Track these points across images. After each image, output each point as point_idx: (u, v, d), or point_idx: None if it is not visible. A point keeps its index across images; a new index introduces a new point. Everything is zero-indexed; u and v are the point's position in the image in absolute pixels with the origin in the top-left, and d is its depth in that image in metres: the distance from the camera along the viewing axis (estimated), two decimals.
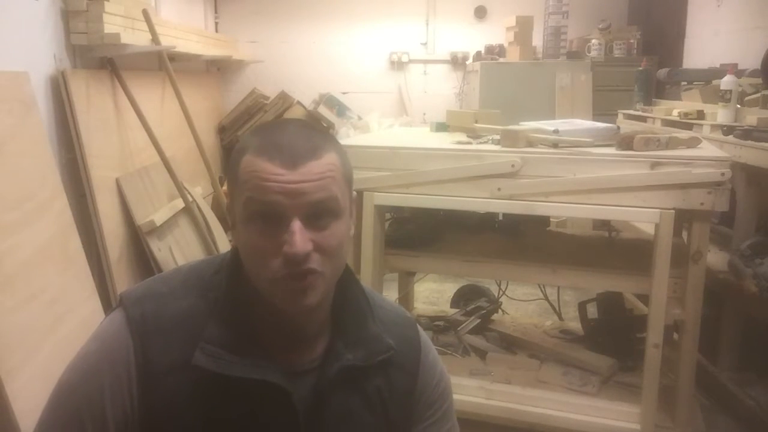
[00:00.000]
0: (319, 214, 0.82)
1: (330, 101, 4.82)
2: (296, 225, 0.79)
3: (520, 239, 2.48)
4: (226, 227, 3.38)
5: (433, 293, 3.93)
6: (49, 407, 0.86)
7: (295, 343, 0.90)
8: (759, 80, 2.84)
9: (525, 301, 3.38)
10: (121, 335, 0.83)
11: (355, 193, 0.93)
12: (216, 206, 3.58)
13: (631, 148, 1.97)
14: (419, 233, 2.45)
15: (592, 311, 2.61)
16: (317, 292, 0.83)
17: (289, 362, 0.88)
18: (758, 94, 2.75)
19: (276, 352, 0.87)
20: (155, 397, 0.81)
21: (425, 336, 1.04)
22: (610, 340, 2.44)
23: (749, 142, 2.37)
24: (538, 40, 4.43)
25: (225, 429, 0.83)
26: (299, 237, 0.79)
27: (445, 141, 2.29)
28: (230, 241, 3.16)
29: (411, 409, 0.98)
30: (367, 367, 0.91)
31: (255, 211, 0.81)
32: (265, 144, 0.83)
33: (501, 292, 2.95)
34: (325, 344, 0.91)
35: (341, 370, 0.88)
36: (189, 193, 3.20)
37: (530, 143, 2.09)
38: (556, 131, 2.05)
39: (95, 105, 2.67)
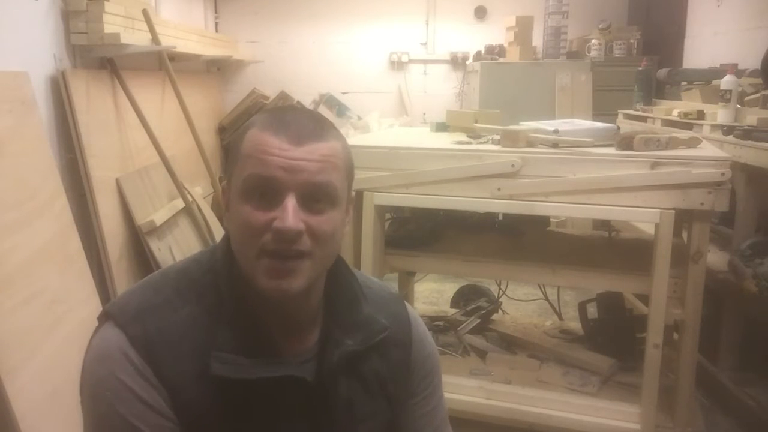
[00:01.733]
0: (316, 196, 0.81)
1: (330, 101, 4.82)
2: (291, 201, 0.79)
3: (520, 239, 2.48)
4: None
5: (433, 293, 3.93)
6: None
7: (293, 332, 0.89)
8: (759, 80, 2.84)
9: (525, 301, 3.38)
10: (129, 355, 0.79)
11: (353, 192, 0.93)
12: (216, 206, 3.58)
13: (631, 148, 1.97)
14: (419, 233, 2.45)
15: (592, 311, 2.61)
16: (302, 277, 0.81)
17: (292, 353, 0.88)
18: (758, 94, 2.76)
19: (280, 345, 0.87)
20: (178, 409, 0.80)
21: (412, 310, 1.05)
22: (610, 340, 2.43)
23: (749, 142, 2.37)
24: (538, 40, 4.43)
25: (249, 428, 0.83)
26: (292, 213, 0.78)
27: (445, 141, 2.29)
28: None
29: (408, 383, 0.99)
30: (364, 351, 0.91)
31: (253, 186, 0.80)
32: (272, 120, 0.83)
33: (501, 292, 2.95)
34: (318, 332, 0.91)
35: (342, 356, 0.88)
36: (189, 193, 3.20)
37: (530, 143, 2.09)
38: (556, 131, 2.05)
39: (95, 105, 2.67)
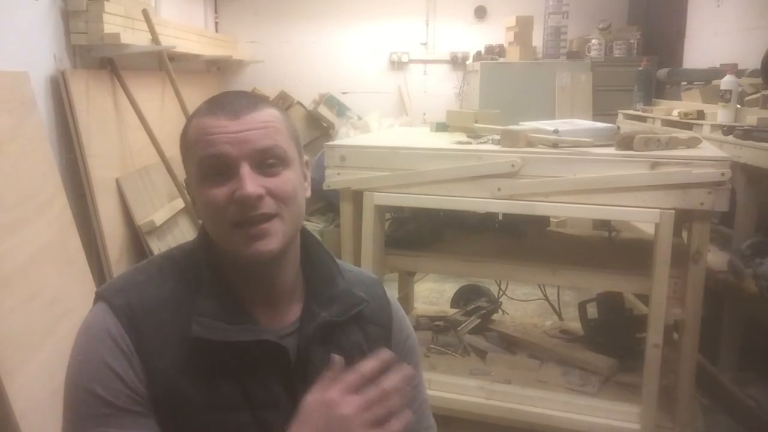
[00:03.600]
0: (267, 161, 0.86)
1: (330, 101, 4.82)
2: (245, 169, 0.84)
3: (520, 239, 2.48)
4: None
5: (433, 293, 3.93)
6: (67, 412, 0.86)
7: (274, 305, 0.93)
8: (759, 80, 2.84)
9: (525, 301, 3.38)
10: (110, 320, 0.84)
11: (307, 157, 0.97)
12: None
13: (631, 148, 1.97)
14: (419, 233, 2.45)
15: (592, 311, 2.61)
16: (277, 238, 0.86)
17: (271, 327, 0.91)
18: (758, 94, 2.75)
19: (259, 318, 0.91)
20: (157, 375, 0.83)
21: (392, 294, 1.09)
22: (610, 340, 2.44)
23: (749, 142, 2.37)
24: (538, 40, 4.43)
25: (226, 395, 0.85)
26: (249, 180, 0.83)
27: (445, 141, 2.29)
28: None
29: None
30: (344, 323, 0.95)
31: (208, 168, 0.85)
32: (209, 106, 0.89)
33: (501, 292, 2.95)
34: (299, 309, 0.95)
35: (318, 327, 0.91)
36: None
37: (530, 143, 2.09)
38: (556, 131, 2.05)
39: (95, 105, 2.67)
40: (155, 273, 0.90)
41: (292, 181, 0.88)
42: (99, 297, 0.89)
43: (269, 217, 0.85)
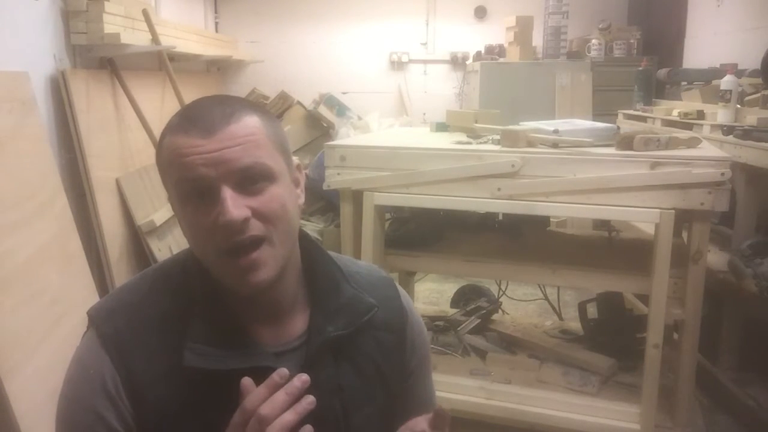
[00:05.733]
0: (250, 179, 0.79)
1: (330, 101, 4.82)
2: (226, 192, 0.76)
3: (520, 239, 2.48)
4: None
5: (433, 293, 3.93)
6: None
7: (275, 321, 0.88)
8: (759, 80, 2.84)
9: (525, 301, 3.38)
10: (98, 355, 0.81)
11: (296, 159, 0.90)
12: None
13: (631, 148, 1.97)
14: (419, 233, 2.45)
15: (592, 311, 2.61)
16: (268, 266, 0.80)
17: (273, 343, 0.87)
18: (758, 94, 2.76)
19: (260, 336, 0.86)
20: (148, 406, 0.80)
21: (404, 292, 1.03)
22: (610, 340, 2.43)
23: (749, 142, 2.37)
24: (538, 40, 4.43)
25: (224, 422, 0.79)
26: (231, 204, 0.76)
27: (445, 141, 2.29)
28: None
29: (403, 366, 0.98)
30: (354, 335, 0.89)
31: (186, 191, 0.79)
32: (180, 121, 0.81)
33: (501, 292, 2.95)
34: (306, 319, 0.90)
35: (325, 343, 0.86)
36: None
37: (530, 143, 2.09)
38: (556, 131, 2.05)
39: (95, 105, 2.67)
40: (146, 293, 0.86)
41: (280, 196, 0.81)
42: (90, 321, 0.85)
43: (257, 242, 0.78)
